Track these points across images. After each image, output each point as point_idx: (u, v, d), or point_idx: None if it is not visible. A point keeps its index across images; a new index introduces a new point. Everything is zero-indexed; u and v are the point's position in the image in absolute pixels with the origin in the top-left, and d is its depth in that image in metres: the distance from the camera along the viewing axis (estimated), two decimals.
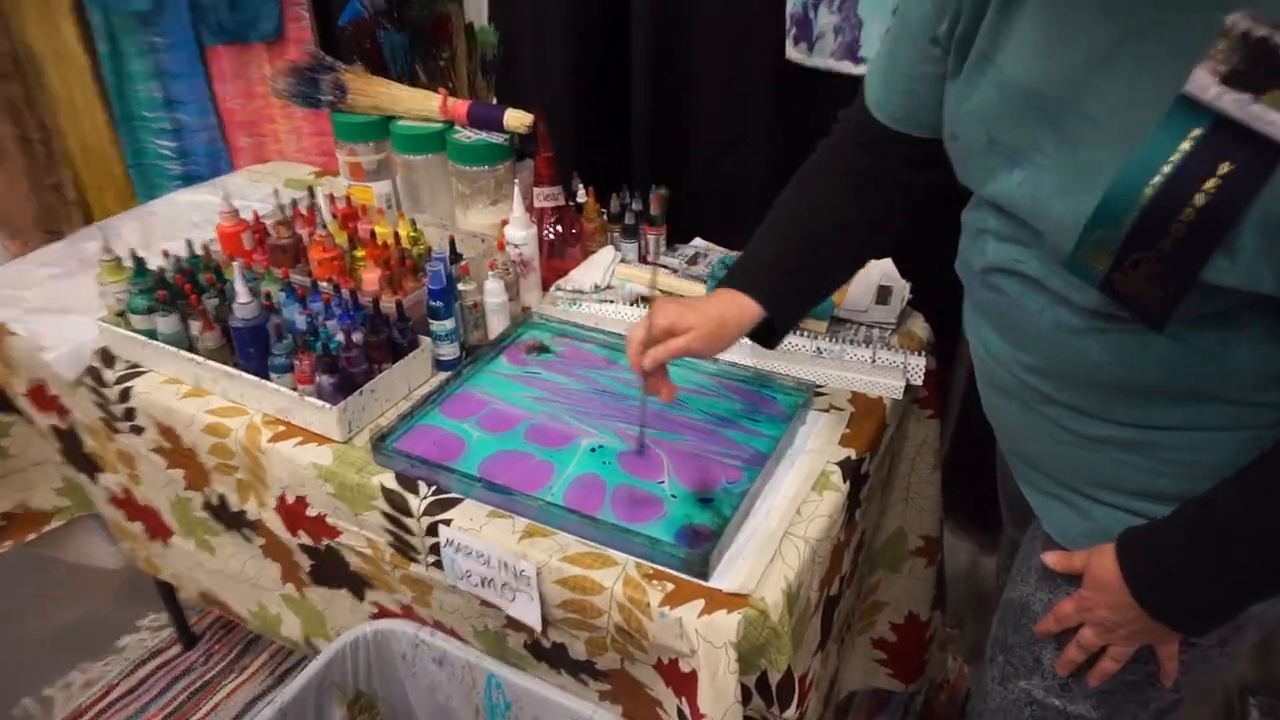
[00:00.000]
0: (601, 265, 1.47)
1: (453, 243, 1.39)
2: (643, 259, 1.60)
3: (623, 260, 1.51)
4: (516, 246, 1.40)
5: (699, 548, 0.95)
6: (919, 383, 1.25)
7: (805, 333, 1.29)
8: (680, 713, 0.96)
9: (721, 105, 1.60)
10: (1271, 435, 0.78)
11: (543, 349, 1.32)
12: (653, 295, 1.45)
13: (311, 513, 1.14)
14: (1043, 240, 0.76)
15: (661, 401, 0.99)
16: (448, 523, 1.02)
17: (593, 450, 1.09)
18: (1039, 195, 0.75)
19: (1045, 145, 0.74)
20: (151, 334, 1.22)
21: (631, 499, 1.02)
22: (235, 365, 1.19)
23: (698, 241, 1.70)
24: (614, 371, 1.26)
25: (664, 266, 1.55)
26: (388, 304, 1.26)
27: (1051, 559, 0.90)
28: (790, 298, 0.96)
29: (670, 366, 1.23)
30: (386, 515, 1.07)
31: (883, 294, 1.43)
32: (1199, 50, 0.67)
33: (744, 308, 0.95)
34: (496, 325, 1.36)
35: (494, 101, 1.50)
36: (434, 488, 1.06)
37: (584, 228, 1.52)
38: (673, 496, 1.03)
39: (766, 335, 0.98)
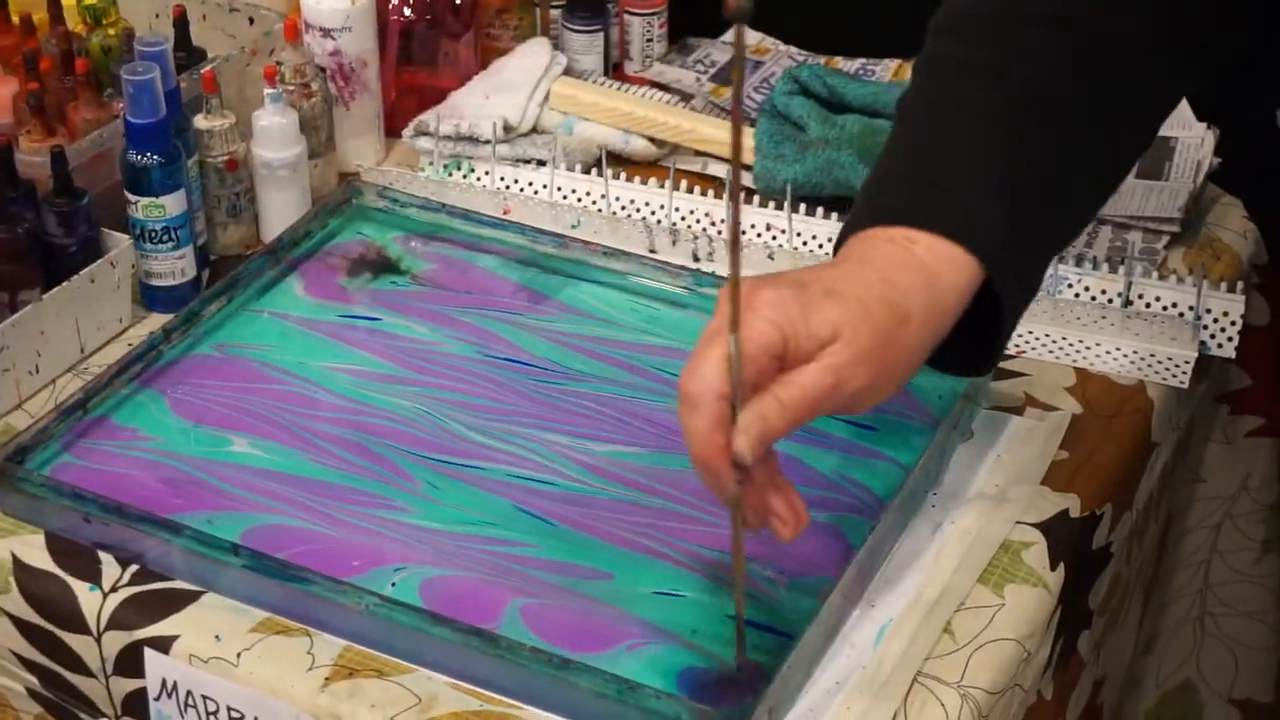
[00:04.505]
0: (521, 81, 1.50)
1: (183, 22, 1.43)
2: (615, 69, 1.63)
3: (566, 70, 1.53)
4: (330, 34, 1.43)
5: (729, 705, 0.97)
6: (1229, 354, 1.28)
7: None
8: None
9: None
10: None
11: (386, 266, 1.34)
12: (647, 155, 1.49)
13: None
14: None
15: (785, 539, 0.96)
16: (164, 646, 1.04)
17: (502, 480, 1.12)
18: None
19: None
20: None
21: (578, 593, 1.05)
22: None
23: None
24: (547, 319, 1.29)
25: (661, 87, 1.58)
26: (33, 156, 1.28)
27: None
28: (1030, 240, 0.98)
29: (631, 302, 1.27)
30: (25, 628, 1.10)
31: (1155, 156, 1.45)
32: None
33: (941, 269, 0.94)
34: (282, 211, 1.39)
35: None
36: (134, 567, 1.09)
37: None
38: (670, 594, 1.05)
39: (973, 340, 1.00)
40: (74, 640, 1.07)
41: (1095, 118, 0.99)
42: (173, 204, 1.28)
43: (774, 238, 1.34)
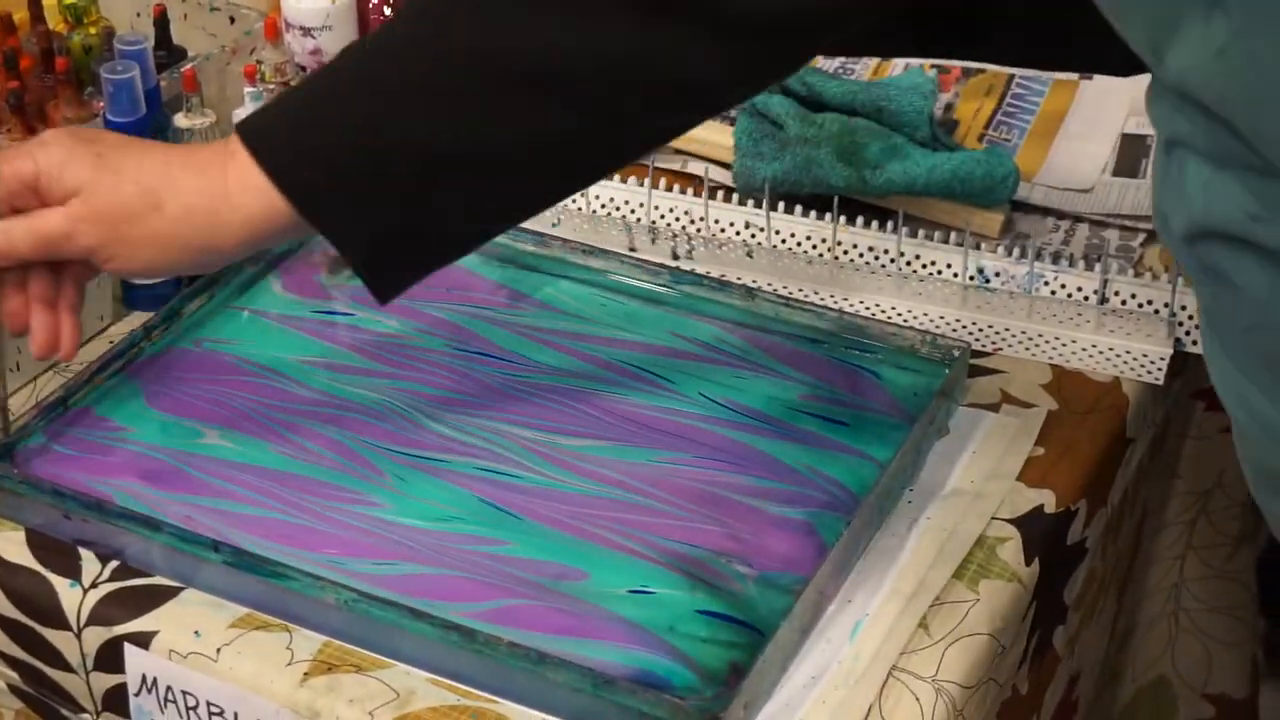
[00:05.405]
0: None
1: (163, 20, 1.43)
2: None
3: None
4: (310, 32, 1.44)
5: (702, 698, 0.98)
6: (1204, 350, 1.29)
7: (952, 235, 1.33)
8: None
9: None
10: None
11: None
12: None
13: None
14: None
15: (34, 355, 1.06)
16: (144, 641, 1.05)
17: (469, 474, 1.13)
18: (1260, 76, 0.75)
19: None
20: None
21: (551, 589, 1.06)
22: None
23: None
24: (522, 314, 1.29)
25: None
26: None
27: None
28: (367, 201, 0.98)
29: (610, 299, 1.31)
30: (6, 624, 1.10)
31: (1131, 154, 1.47)
32: None
33: (235, 187, 0.98)
34: None
35: None
36: (114, 563, 1.09)
37: None
38: (642, 591, 1.06)
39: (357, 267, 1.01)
40: (54, 636, 1.08)
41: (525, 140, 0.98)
42: None
43: (752, 235, 1.34)
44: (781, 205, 1.35)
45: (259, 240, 1.01)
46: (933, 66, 1.52)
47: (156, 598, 1.07)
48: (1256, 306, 0.82)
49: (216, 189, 0.99)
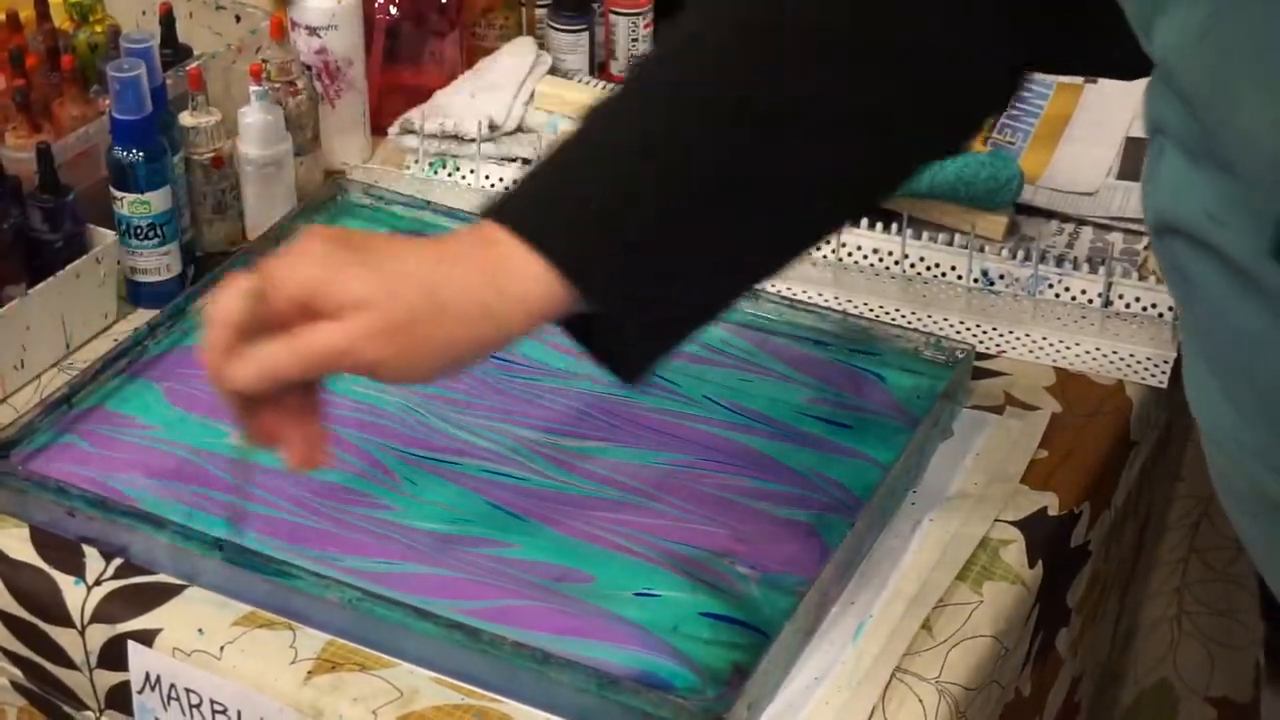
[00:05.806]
0: (506, 80, 1.51)
1: (169, 19, 1.43)
2: (600, 68, 1.63)
3: (552, 69, 1.54)
4: (316, 31, 1.44)
5: (705, 699, 0.99)
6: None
7: (958, 238, 1.33)
8: None
9: None
10: None
11: None
12: None
13: None
14: (1243, 174, 0.77)
15: (289, 465, 0.98)
16: (148, 639, 1.05)
17: (476, 476, 1.14)
18: (1227, 64, 0.75)
19: None
20: None
21: (555, 591, 1.06)
22: None
23: None
24: None
25: None
26: (19, 153, 1.29)
27: None
28: (649, 271, 0.95)
29: None
30: (10, 621, 1.11)
31: (1136, 157, 1.47)
32: None
33: (509, 279, 0.93)
34: (268, 208, 1.39)
35: None
36: (117, 560, 1.10)
37: None
38: (647, 594, 1.06)
39: (611, 349, 0.98)
40: (58, 633, 1.08)
41: (792, 179, 0.96)
42: (158, 200, 1.28)
43: None
44: None
45: (534, 328, 0.95)
46: None
47: (160, 595, 1.07)
48: (1213, 310, 0.82)
49: (488, 282, 0.93)
